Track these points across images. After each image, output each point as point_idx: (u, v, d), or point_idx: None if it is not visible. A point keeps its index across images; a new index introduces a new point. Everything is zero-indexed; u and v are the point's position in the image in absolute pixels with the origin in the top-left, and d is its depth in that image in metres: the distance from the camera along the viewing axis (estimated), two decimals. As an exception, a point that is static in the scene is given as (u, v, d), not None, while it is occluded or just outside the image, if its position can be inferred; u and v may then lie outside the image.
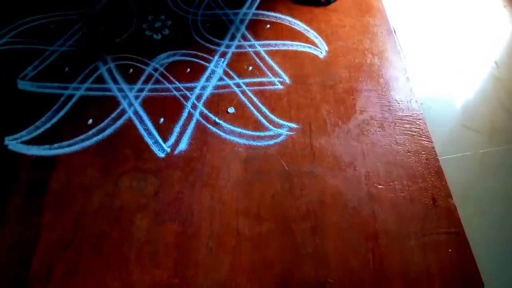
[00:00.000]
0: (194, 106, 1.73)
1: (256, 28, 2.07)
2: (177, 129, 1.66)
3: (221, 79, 1.84)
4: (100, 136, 1.62)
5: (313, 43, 2.01)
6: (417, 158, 1.61)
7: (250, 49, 1.97)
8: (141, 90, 1.77)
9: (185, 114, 1.70)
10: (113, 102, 1.72)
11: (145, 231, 1.41)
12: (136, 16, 2.08)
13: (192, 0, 2.19)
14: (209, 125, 1.68)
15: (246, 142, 1.64)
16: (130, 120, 1.67)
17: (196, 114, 1.71)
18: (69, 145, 1.58)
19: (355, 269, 1.36)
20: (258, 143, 1.64)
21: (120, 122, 1.66)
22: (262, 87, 1.82)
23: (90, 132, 1.62)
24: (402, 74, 1.90)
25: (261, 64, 1.90)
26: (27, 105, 1.70)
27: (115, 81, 1.79)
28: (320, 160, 1.60)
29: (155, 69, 1.85)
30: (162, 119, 1.68)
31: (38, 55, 1.87)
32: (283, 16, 2.14)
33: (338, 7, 2.21)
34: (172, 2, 2.17)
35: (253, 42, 2.00)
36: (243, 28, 2.06)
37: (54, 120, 1.66)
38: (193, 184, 1.51)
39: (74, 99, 1.72)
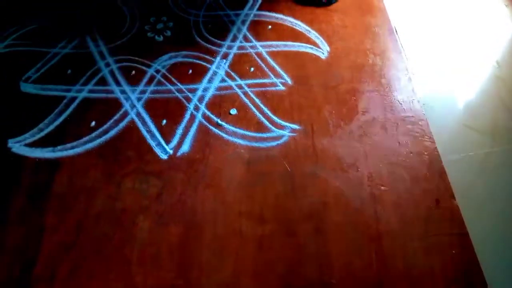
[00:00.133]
0: (196, 108, 1.73)
1: (258, 29, 2.07)
2: (179, 131, 1.66)
3: (223, 80, 1.84)
4: (103, 138, 1.62)
5: (314, 43, 2.01)
6: (420, 159, 1.61)
7: (252, 50, 1.97)
8: (143, 92, 1.77)
9: (187, 116, 1.71)
10: (116, 104, 1.73)
11: (147, 233, 1.41)
12: (138, 18, 2.08)
13: (193, 2, 2.19)
14: (211, 127, 1.68)
15: (249, 143, 1.64)
16: (132, 122, 1.68)
17: (199, 116, 1.71)
18: (72, 147, 1.59)
19: (358, 270, 1.36)
20: (261, 145, 1.64)
21: (122, 124, 1.66)
22: (264, 88, 1.82)
23: (93, 134, 1.63)
24: (404, 74, 1.90)
25: (263, 65, 1.90)
26: (30, 108, 1.70)
27: (117, 83, 1.80)
28: (322, 161, 1.60)
29: (157, 71, 1.85)
30: (164, 121, 1.68)
31: (41, 57, 1.88)
32: (284, 17, 2.14)
33: (339, 7, 2.21)
34: (173, 3, 2.17)
35: (255, 43, 2.00)
36: (244, 29, 2.07)
37: (57, 122, 1.66)
38: (195, 186, 1.52)
39: (77, 101, 1.73)
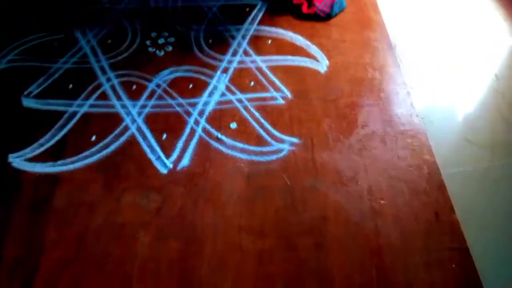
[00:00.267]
0: (196, 122, 1.74)
1: (258, 44, 2.10)
2: (179, 145, 1.67)
3: (223, 94, 1.85)
4: (103, 153, 1.62)
5: (314, 58, 2.03)
6: (419, 173, 1.62)
7: (252, 65, 1.99)
8: (144, 106, 1.79)
9: (187, 130, 1.71)
10: (117, 119, 1.74)
11: (148, 248, 1.41)
12: (139, 33, 2.11)
13: (194, 17, 2.22)
14: (211, 141, 1.68)
15: (249, 157, 1.64)
16: (133, 136, 1.68)
17: (199, 130, 1.72)
18: (73, 162, 1.59)
19: (359, 284, 1.35)
20: (260, 158, 1.64)
21: (123, 138, 1.67)
22: (264, 102, 1.83)
23: (94, 149, 1.63)
24: (403, 89, 1.92)
25: (263, 79, 1.92)
26: (31, 122, 1.71)
27: (118, 97, 1.81)
28: (322, 175, 1.60)
29: (158, 85, 1.87)
30: (165, 135, 1.69)
31: (42, 72, 1.89)
32: (284, 32, 2.16)
33: (339, 22, 2.24)
34: (175, 18, 2.19)
35: (255, 57, 2.02)
36: (245, 44, 2.09)
37: (58, 137, 1.67)
38: (196, 200, 1.52)
39: (77, 116, 1.74)
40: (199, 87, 1.87)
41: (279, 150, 1.67)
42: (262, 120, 1.76)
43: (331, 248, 1.42)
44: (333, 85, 1.91)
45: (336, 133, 1.73)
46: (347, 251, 1.42)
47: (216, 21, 2.21)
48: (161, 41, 2.07)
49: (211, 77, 1.92)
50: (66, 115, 1.74)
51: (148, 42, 2.06)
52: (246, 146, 1.67)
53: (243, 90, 1.87)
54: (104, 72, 1.91)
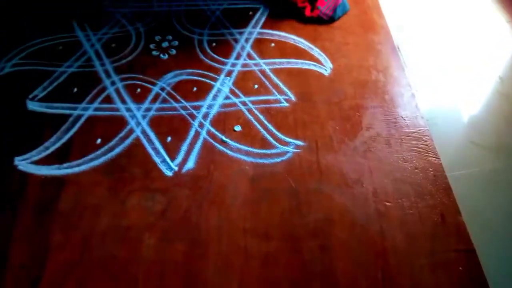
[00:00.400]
0: (201, 125, 1.74)
1: (261, 47, 2.10)
2: (184, 148, 1.67)
3: (227, 97, 1.86)
4: (108, 156, 1.63)
5: (317, 60, 2.04)
6: (425, 175, 1.61)
7: (255, 68, 1.99)
8: (148, 109, 1.79)
9: (192, 133, 1.72)
10: (121, 122, 1.74)
11: (153, 250, 1.40)
12: (143, 37, 2.12)
13: (198, 20, 2.23)
14: (216, 144, 1.69)
15: (253, 160, 1.64)
16: (138, 139, 1.69)
17: (203, 133, 1.72)
18: (78, 165, 1.60)
19: (364, 287, 1.35)
20: (265, 161, 1.64)
21: (128, 141, 1.68)
22: (268, 105, 1.83)
23: (99, 152, 1.64)
24: (407, 91, 1.91)
25: (267, 82, 1.92)
26: (37, 126, 1.72)
27: (123, 101, 1.82)
28: (327, 178, 1.60)
29: (162, 89, 1.87)
30: (169, 138, 1.70)
31: (47, 76, 1.90)
32: (287, 35, 2.17)
33: (342, 24, 2.24)
34: (178, 22, 2.21)
35: (259, 60, 2.03)
36: (248, 47, 2.09)
37: (63, 140, 1.67)
38: (200, 203, 1.52)
39: (82, 119, 1.74)
40: (203, 90, 1.88)
41: (284, 153, 1.67)
42: (266, 123, 1.76)
43: (336, 250, 1.42)
44: (337, 88, 1.91)
45: (341, 135, 1.73)
46: (352, 254, 1.41)
47: (220, 24, 2.22)
48: (165, 44, 2.08)
49: (215, 80, 1.92)
50: (71, 119, 1.74)
51: (152, 46, 2.07)
52: (251, 149, 1.68)
53: (247, 93, 1.88)
54: (108, 75, 1.92)
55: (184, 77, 1.93)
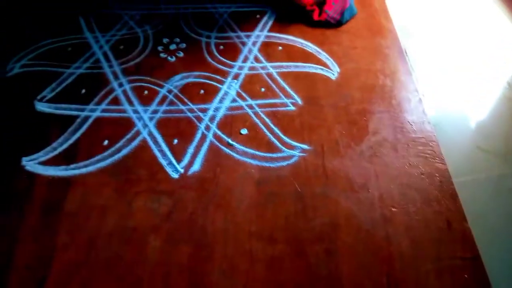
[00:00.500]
0: (207, 128, 1.75)
1: (269, 50, 2.10)
2: (190, 150, 1.67)
3: (234, 100, 1.86)
4: (115, 157, 1.64)
5: (325, 64, 2.04)
6: (431, 181, 1.61)
7: (262, 71, 1.99)
8: (155, 111, 1.80)
9: (198, 136, 1.72)
10: (128, 124, 1.75)
11: (158, 252, 1.41)
12: (151, 39, 2.13)
13: (205, 23, 2.23)
14: (222, 147, 1.69)
15: (259, 163, 1.64)
16: (144, 141, 1.70)
17: (210, 136, 1.72)
18: (85, 166, 1.61)
19: (370, 293, 1.35)
20: (271, 165, 1.64)
21: (135, 143, 1.68)
22: (274, 109, 1.83)
23: (106, 153, 1.65)
24: (415, 96, 1.91)
25: (274, 86, 1.92)
26: (44, 126, 1.73)
27: (130, 102, 1.83)
28: (333, 182, 1.60)
29: (169, 91, 1.88)
30: (176, 140, 1.70)
31: (56, 77, 1.92)
32: (295, 38, 2.17)
33: (349, 28, 2.24)
34: (186, 25, 2.21)
35: (266, 64, 2.03)
36: (255, 50, 2.10)
37: (71, 141, 1.69)
38: (206, 205, 1.52)
39: (90, 120, 1.75)
40: (210, 93, 1.88)
41: (290, 157, 1.67)
42: (273, 126, 1.76)
43: (342, 255, 1.41)
44: (344, 92, 1.91)
45: (347, 139, 1.73)
46: (357, 259, 1.41)
47: (227, 27, 2.23)
48: (172, 47, 2.09)
49: (222, 83, 1.93)
50: (78, 120, 1.76)
51: (159, 48, 2.08)
52: (257, 152, 1.68)
53: (253, 96, 1.88)
54: (116, 77, 1.93)
55: (191, 79, 1.94)
